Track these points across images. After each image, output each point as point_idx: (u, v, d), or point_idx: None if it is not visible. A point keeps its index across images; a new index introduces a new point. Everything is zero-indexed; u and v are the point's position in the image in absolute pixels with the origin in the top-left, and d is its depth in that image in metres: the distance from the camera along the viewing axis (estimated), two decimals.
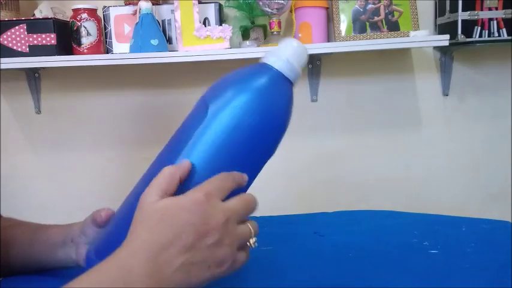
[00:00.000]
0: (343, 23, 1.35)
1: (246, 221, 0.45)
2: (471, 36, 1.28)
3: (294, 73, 0.50)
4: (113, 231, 0.50)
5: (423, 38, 1.24)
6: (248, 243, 0.45)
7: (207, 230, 0.41)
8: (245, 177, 0.46)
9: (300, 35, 1.33)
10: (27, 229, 0.63)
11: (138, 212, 0.43)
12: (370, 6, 1.34)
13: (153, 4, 1.27)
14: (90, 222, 0.57)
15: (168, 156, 0.49)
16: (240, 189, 0.47)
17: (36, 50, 1.26)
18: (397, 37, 1.31)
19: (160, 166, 0.46)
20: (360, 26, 1.34)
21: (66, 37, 1.31)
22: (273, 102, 0.49)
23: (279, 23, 1.30)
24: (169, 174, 0.44)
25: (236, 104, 0.47)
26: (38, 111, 1.52)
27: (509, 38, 1.28)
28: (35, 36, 1.26)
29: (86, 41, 1.30)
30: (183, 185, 0.45)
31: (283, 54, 0.50)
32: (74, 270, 0.61)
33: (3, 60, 1.24)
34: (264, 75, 0.49)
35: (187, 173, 0.45)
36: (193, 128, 0.48)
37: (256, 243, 0.45)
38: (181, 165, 0.45)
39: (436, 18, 1.43)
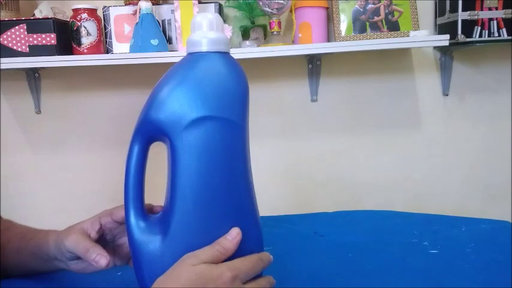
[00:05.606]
0: (343, 23, 1.35)
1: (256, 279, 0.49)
2: (471, 36, 1.28)
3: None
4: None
5: (423, 38, 1.24)
6: None
7: None
8: (271, 258, 0.51)
9: (300, 35, 1.33)
10: (13, 236, 0.63)
11: (177, 266, 0.46)
12: (370, 6, 1.34)
13: (153, 4, 1.27)
14: (66, 244, 0.55)
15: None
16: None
17: (36, 50, 1.26)
18: (397, 37, 1.31)
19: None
20: (360, 26, 1.34)
21: (66, 37, 1.31)
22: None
23: (279, 23, 1.30)
24: (217, 256, 0.47)
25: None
26: (38, 111, 1.51)
27: (509, 38, 1.28)
28: (35, 36, 1.26)
29: (86, 41, 1.30)
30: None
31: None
32: (73, 272, 0.61)
33: (3, 60, 1.24)
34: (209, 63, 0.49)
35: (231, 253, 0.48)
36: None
37: None
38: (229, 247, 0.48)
39: (436, 18, 1.43)
